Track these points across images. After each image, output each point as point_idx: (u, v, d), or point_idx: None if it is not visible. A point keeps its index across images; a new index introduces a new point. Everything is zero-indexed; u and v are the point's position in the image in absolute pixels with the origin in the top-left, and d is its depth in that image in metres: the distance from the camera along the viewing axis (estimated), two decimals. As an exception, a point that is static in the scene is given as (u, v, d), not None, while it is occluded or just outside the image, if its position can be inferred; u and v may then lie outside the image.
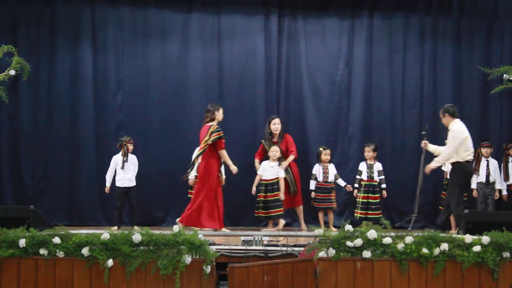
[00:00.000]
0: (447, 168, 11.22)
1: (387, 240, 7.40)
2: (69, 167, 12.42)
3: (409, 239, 7.42)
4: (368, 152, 11.59)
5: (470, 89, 12.65)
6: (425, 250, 7.36)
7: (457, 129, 10.01)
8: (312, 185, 11.63)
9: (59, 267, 7.42)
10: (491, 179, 11.60)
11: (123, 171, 11.47)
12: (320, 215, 11.66)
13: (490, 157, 11.69)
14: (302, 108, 12.65)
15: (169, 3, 12.62)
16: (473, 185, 11.65)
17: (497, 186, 11.70)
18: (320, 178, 11.57)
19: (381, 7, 12.77)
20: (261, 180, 11.44)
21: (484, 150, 11.55)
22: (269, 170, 11.42)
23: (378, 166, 11.69)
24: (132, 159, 11.64)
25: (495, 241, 7.43)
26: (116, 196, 11.59)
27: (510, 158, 11.68)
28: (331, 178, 11.57)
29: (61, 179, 12.39)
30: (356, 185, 11.64)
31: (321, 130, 12.58)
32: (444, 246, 7.39)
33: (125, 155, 11.47)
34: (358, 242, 7.38)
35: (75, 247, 7.42)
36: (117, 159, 11.57)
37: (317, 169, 11.65)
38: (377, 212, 11.45)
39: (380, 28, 12.77)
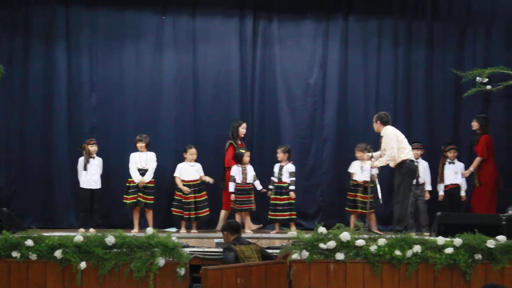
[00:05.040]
0: (353, 170, 11.51)
1: (360, 242, 7.46)
2: (42, 170, 12.30)
3: (382, 241, 7.49)
4: (279, 154, 11.57)
5: (443, 92, 12.73)
6: (397, 252, 7.43)
7: (391, 132, 10.45)
8: (232, 187, 11.46)
9: (32, 269, 7.41)
10: (421, 180, 11.61)
11: (87, 173, 11.41)
12: (238, 216, 11.42)
13: (420, 158, 11.74)
14: (277, 111, 12.64)
15: (144, 5, 12.55)
16: None
17: (427, 187, 11.75)
18: (239, 180, 11.39)
19: (356, 11, 12.80)
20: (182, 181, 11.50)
21: (414, 152, 11.42)
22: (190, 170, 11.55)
23: (289, 167, 11.51)
24: (98, 161, 11.60)
25: (467, 243, 7.53)
26: (81, 198, 11.55)
27: (447, 160, 11.74)
28: (249, 179, 11.45)
29: (34, 182, 12.26)
30: (270, 187, 11.59)
31: (295, 132, 12.58)
32: (417, 248, 7.47)
33: (86, 157, 11.40)
34: (331, 244, 7.43)
35: (48, 250, 7.41)
36: (81, 161, 11.54)
37: (235, 171, 11.46)
38: (285, 213, 11.32)
39: (355, 31, 12.79)
